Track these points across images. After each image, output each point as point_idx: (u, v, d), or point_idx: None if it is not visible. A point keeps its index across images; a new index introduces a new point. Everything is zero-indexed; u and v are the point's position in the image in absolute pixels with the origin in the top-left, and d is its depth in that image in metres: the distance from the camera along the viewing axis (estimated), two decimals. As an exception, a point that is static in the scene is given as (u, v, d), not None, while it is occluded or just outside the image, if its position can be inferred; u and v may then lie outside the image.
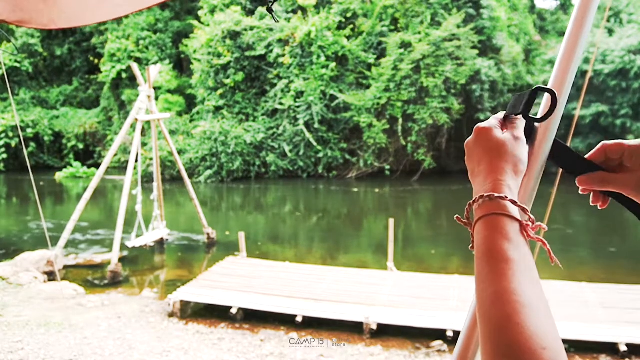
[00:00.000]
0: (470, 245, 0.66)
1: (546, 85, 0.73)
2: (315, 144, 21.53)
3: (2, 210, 18.09)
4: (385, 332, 6.42)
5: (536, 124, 0.72)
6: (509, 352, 0.49)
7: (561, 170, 0.76)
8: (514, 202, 0.62)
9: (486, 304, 0.55)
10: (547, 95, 0.72)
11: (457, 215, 0.69)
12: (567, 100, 0.74)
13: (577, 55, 0.75)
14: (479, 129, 0.71)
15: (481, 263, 0.59)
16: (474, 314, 0.70)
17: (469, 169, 0.71)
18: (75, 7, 1.41)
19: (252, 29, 22.55)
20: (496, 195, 0.63)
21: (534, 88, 0.72)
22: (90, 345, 5.97)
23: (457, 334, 6.10)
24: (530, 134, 0.72)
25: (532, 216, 0.63)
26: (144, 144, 17.58)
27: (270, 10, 1.04)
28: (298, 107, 21.75)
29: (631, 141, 0.68)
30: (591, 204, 0.75)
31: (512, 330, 0.50)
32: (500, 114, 0.74)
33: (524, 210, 0.63)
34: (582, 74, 20.57)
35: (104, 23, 28.15)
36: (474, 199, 0.66)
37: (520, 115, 0.71)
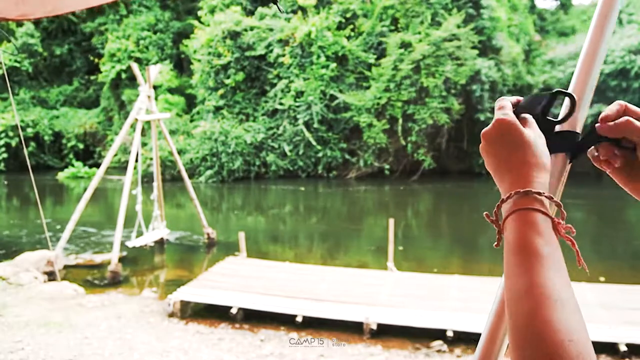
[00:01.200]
0: (496, 243, 0.67)
1: (566, 89, 0.72)
2: (315, 143, 21.54)
3: (2, 210, 18.09)
4: (385, 332, 6.42)
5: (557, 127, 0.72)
6: (536, 344, 0.51)
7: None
8: (550, 198, 0.63)
9: (515, 297, 0.56)
10: (566, 99, 0.72)
11: (486, 212, 0.69)
12: (562, 102, 0.74)
13: (599, 59, 0.74)
14: (505, 122, 0.69)
15: (512, 257, 0.60)
16: (496, 313, 0.69)
17: (491, 162, 0.70)
18: None
19: (252, 29, 22.55)
20: (533, 191, 0.63)
21: (554, 91, 0.71)
22: (90, 345, 5.97)
23: (457, 334, 6.10)
24: (547, 136, 0.71)
25: (564, 212, 0.64)
26: (144, 144, 17.57)
27: (275, 2, 1.03)
28: (298, 107, 21.75)
29: None
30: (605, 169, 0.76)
31: (540, 323, 0.52)
32: (508, 108, 0.72)
33: (558, 206, 0.64)
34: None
35: (104, 22, 28.16)
36: (508, 194, 0.65)
37: (533, 116, 0.71)
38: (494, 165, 0.70)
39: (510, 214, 0.63)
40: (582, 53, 0.76)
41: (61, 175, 23.70)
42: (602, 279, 8.52)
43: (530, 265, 0.57)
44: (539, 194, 0.63)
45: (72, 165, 24.89)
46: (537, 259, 0.57)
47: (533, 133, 0.69)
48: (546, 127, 0.72)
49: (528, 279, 0.56)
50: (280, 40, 22.30)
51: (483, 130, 0.71)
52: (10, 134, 24.73)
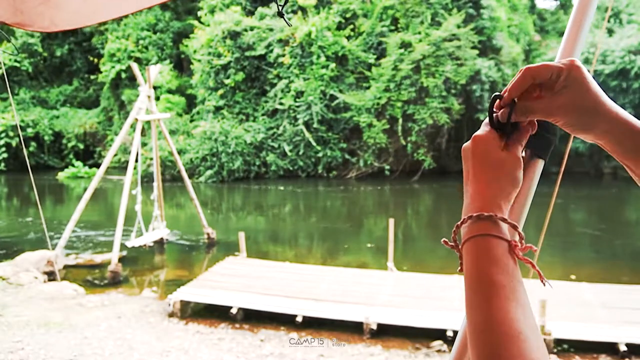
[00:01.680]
0: (459, 268, 0.63)
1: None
2: (315, 143, 21.54)
3: (2, 210, 18.09)
4: (385, 332, 6.42)
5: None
6: None
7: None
8: (503, 220, 0.59)
9: (475, 331, 0.53)
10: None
11: (443, 239, 0.66)
12: None
13: (576, 56, 0.75)
14: (478, 140, 0.66)
15: (469, 288, 0.57)
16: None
17: (464, 178, 0.67)
18: (76, 8, 1.41)
19: (252, 29, 22.55)
20: (485, 214, 0.59)
21: (493, 96, 0.68)
22: (90, 345, 5.97)
23: (457, 334, 6.09)
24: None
25: (522, 233, 0.60)
26: (144, 144, 17.57)
27: (281, 15, 1.03)
28: (298, 107, 21.75)
29: (558, 62, 0.64)
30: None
31: (502, 359, 0.49)
32: (487, 124, 0.68)
33: (514, 227, 0.60)
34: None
35: (104, 23, 28.15)
36: (462, 219, 0.62)
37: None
38: (464, 182, 0.67)
39: (465, 241, 0.60)
40: (559, 51, 0.76)
41: (61, 175, 23.70)
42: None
43: (488, 297, 0.54)
44: (491, 217, 0.59)
45: (72, 165, 24.88)
46: (494, 291, 0.54)
47: (508, 155, 0.64)
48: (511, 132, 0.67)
49: (486, 313, 0.53)
50: (280, 40, 22.30)
51: (463, 145, 0.69)
52: (10, 134, 24.72)
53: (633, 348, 5.80)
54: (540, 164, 0.72)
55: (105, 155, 12.81)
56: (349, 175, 22.41)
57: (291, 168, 22.09)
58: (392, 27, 22.51)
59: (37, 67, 29.24)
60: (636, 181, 0.65)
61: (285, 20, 1.02)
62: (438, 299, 7.13)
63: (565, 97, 0.62)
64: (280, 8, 1.03)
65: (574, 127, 0.63)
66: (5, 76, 2.62)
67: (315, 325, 6.69)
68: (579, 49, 0.76)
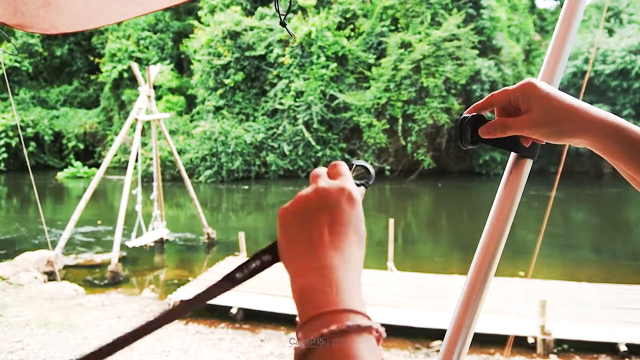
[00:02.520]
0: None
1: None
2: (314, 143, 21.54)
3: (2, 210, 18.08)
4: (385, 332, 6.42)
5: None
6: None
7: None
8: (363, 314, 0.48)
9: None
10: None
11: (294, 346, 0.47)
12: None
13: (564, 57, 0.76)
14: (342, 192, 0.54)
15: None
16: (457, 317, 0.72)
17: (287, 248, 0.54)
18: (76, 12, 1.41)
19: (252, 29, 22.55)
20: (355, 310, 0.46)
21: (460, 118, 0.75)
22: (90, 345, 5.97)
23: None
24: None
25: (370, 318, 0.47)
26: (144, 144, 17.57)
27: (283, 24, 1.02)
28: (298, 107, 21.76)
29: (516, 85, 0.68)
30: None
31: None
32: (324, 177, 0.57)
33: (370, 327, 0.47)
34: (582, 74, 20.60)
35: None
36: (305, 318, 0.46)
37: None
38: (286, 255, 0.54)
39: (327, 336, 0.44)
40: (547, 53, 0.78)
41: (60, 175, 23.69)
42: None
43: None
44: (351, 311, 0.46)
45: (72, 165, 24.88)
46: None
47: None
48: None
49: None
50: (280, 40, 22.30)
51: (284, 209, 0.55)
52: (10, 134, 24.72)
53: (633, 348, 5.80)
54: (528, 164, 0.74)
55: (105, 155, 12.80)
56: (349, 175, 22.40)
57: (291, 168, 22.09)
58: (392, 27, 22.51)
59: (37, 67, 29.24)
60: (624, 177, 0.67)
61: (289, 31, 1.01)
62: (438, 299, 7.13)
63: (531, 115, 0.65)
64: (282, 18, 1.03)
65: (550, 137, 0.67)
66: (5, 76, 2.62)
67: (315, 325, 6.69)
68: (567, 51, 0.77)
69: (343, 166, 0.58)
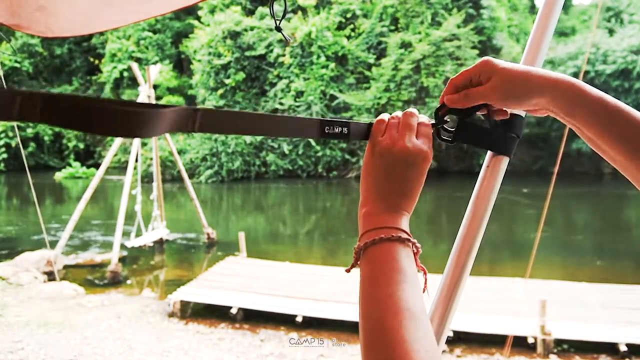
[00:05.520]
0: (348, 268, 0.69)
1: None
2: (314, 143, 21.54)
3: (2, 210, 18.09)
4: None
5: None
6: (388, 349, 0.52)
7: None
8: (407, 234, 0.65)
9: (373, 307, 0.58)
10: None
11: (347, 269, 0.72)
12: None
13: (541, 56, 0.77)
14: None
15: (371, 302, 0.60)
16: (431, 317, 0.73)
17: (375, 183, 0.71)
18: (71, 17, 1.40)
19: (252, 29, 22.56)
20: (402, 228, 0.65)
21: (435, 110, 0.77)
22: (90, 345, 5.97)
23: (456, 333, 6.10)
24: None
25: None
26: (144, 144, 17.57)
27: (279, 29, 1.02)
28: (298, 106, 21.76)
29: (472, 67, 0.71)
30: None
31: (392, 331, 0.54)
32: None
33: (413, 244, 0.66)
34: (583, 74, 20.58)
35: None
36: (367, 229, 0.67)
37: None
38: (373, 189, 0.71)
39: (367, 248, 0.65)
40: (525, 50, 0.79)
41: (59, 176, 23.69)
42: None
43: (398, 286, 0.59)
44: (398, 229, 0.65)
45: (70, 166, 24.88)
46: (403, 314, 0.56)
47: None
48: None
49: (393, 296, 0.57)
50: (280, 40, 22.30)
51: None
52: (10, 134, 24.73)
53: (633, 348, 5.80)
54: (505, 161, 0.75)
55: (105, 155, 12.81)
56: (349, 175, 22.41)
57: (291, 168, 22.10)
58: (392, 27, 22.52)
59: (37, 67, 29.25)
60: (586, 142, 0.69)
61: (284, 36, 1.01)
62: (438, 299, 7.11)
63: (491, 83, 0.69)
64: (277, 23, 1.03)
65: (510, 101, 0.69)
66: (1, 77, 2.60)
67: (315, 325, 6.69)
68: (545, 48, 0.79)
69: (428, 128, 0.73)
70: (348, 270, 0.69)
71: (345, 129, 0.70)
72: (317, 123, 0.67)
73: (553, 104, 0.67)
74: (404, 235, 0.63)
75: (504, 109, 0.73)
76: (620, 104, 0.64)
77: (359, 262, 0.66)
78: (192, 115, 0.54)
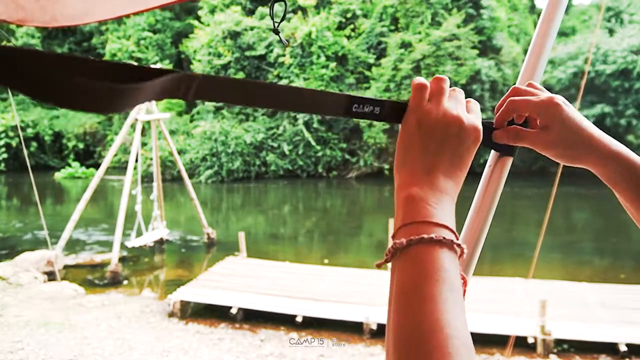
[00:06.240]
0: (379, 262, 0.55)
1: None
2: (314, 143, 21.55)
3: (2, 210, 18.08)
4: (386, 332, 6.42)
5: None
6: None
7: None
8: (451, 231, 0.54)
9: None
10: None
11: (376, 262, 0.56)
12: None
13: (543, 60, 0.77)
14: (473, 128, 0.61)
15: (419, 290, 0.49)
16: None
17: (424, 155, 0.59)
18: (78, 4, 1.40)
19: (252, 29, 22.57)
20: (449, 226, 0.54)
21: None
22: (90, 345, 5.97)
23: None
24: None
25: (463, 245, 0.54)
26: (144, 144, 17.57)
27: (277, 32, 1.01)
28: (298, 107, 21.78)
29: (540, 98, 0.67)
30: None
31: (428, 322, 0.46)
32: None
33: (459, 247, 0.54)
34: (582, 74, 20.59)
35: (104, 23, 28.17)
36: (409, 221, 0.54)
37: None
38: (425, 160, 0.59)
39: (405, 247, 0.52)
40: (528, 54, 0.79)
41: (58, 176, 23.69)
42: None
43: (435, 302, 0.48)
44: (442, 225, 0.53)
45: (69, 166, 24.88)
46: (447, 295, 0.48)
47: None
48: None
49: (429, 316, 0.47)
50: (280, 41, 22.30)
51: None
52: (11, 134, 24.72)
53: (633, 348, 5.80)
54: (508, 162, 0.74)
55: (105, 155, 12.81)
56: (349, 175, 22.42)
57: (291, 168, 22.10)
58: (392, 27, 22.52)
59: (37, 67, 29.25)
60: (625, 208, 0.68)
61: (281, 38, 1.00)
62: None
63: (549, 135, 0.65)
64: (275, 25, 1.02)
65: (562, 160, 0.68)
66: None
67: (315, 325, 6.69)
68: (548, 51, 0.79)
69: (477, 105, 0.64)
70: (379, 265, 0.55)
71: (377, 109, 0.61)
72: (345, 99, 0.59)
73: (601, 174, 0.66)
74: (454, 238, 0.52)
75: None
76: None
77: (393, 259, 0.54)
78: (186, 81, 0.47)
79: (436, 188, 0.56)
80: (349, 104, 0.60)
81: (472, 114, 0.61)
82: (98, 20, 1.51)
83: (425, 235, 0.51)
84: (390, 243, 0.54)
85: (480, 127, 0.61)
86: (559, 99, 0.66)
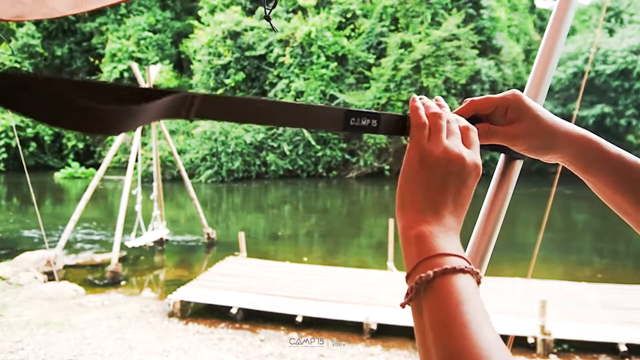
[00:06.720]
0: (404, 302, 0.57)
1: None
2: (314, 143, 21.55)
3: (2, 210, 18.09)
4: (385, 332, 6.42)
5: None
6: None
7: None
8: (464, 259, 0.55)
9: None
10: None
11: (401, 303, 0.59)
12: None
13: (553, 63, 0.77)
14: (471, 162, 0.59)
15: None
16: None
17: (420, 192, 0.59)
18: None
19: (252, 29, 22.57)
20: (462, 256, 0.54)
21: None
22: (90, 345, 5.97)
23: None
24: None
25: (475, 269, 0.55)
26: (144, 144, 17.58)
27: (268, 19, 1.00)
28: (298, 107, 21.79)
29: (500, 94, 0.67)
30: None
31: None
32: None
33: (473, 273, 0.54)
34: (582, 74, 20.60)
35: (105, 23, 28.16)
36: (425, 257, 0.54)
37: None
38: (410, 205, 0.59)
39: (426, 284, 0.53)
40: (537, 57, 0.78)
41: (57, 176, 23.69)
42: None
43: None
44: (457, 255, 0.54)
45: (69, 166, 24.88)
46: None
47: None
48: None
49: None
50: (280, 40, 22.30)
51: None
52: (11, 134, 24.74)
53: (633, 348, 5.80)
54: (518, 165, 0.74)
55: (105, 155, 12.81)
56: (349, 175, 22.42)
57: (291, 168, 22.10)
58: (392, 27, 22.52)
59: (37, 67, 29.24)
60: (596, 194, 0.70)
61: (272, 26, 0.99)
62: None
63: (518, 127, 0.66)
64: (267, 12, 1.00)
65: (533, 151, 0.68)
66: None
67: (315, 325, 6.69)
68: (557, 55, 0.78)
69: (475, 134, 0.62)
70: (403, 305, 0.58)
71: (375, 122, 0.62)
72: (342, 114, 0.59)
73: (570, 161, 0.67)
74: (472, 266, 0.53)
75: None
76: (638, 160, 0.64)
77: (416, 296, 0.56)
78: (188, 101, 0.48)
79: (442, 225, 0.57)
80: (346, 119, 0.60)
81: (472, 148, 0.61)
82: (101, 7, 1.49)
83: (447, 266, 0.52)
84: (409, 283, 0.56)
85: (480, 162, 0.60)
86: (518, 92, 0.67)
